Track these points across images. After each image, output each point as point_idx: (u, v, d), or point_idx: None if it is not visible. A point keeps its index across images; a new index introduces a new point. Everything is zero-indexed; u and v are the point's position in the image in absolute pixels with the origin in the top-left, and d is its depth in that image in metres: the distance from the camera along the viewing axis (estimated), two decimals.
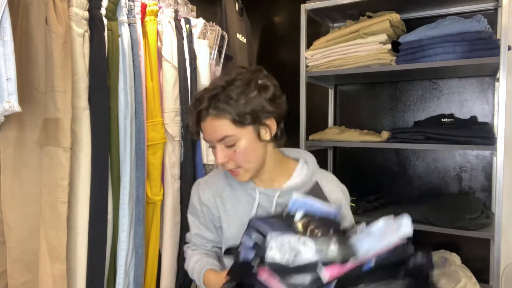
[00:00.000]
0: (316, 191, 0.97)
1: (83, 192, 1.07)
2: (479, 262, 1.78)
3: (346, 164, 2.16)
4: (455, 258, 1.72)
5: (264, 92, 0.93)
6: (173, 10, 1.39)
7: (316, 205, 0.87)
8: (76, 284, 1.07)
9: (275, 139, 0.99)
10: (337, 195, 1.06)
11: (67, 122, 1.00)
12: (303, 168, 1.05)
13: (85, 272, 1.08)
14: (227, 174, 1.05)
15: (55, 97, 0.99)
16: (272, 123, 0.96)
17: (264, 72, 0.97)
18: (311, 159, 1.09)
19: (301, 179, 1.02)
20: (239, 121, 0.91)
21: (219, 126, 0.92)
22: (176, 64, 1.38)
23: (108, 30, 1.13)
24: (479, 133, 1.54)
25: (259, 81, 0.93)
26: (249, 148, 0.94)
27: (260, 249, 0.76)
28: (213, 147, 0.96)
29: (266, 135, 0.96)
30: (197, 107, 0.93)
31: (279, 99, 0.96)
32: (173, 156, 1.37)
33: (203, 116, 0.93)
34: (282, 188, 1.01)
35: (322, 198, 0.94)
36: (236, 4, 2.07)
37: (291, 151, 1.11)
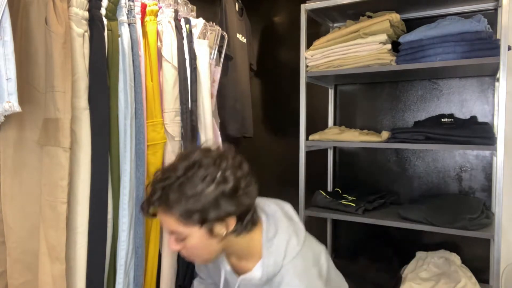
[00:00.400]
0: None
1: (83, 192, 1.07)
2: (479, 262, 1.78)
3: (346, 164, 2.16)
4: (455, 258, 1.72)
5: (223, 186, 0.84)
6: (173, 10, 1.39)
7: None
8: (76, 284, 1.07)
9: (236, 231, 0.90)
10: None
11: (67, 122, 1.00)
12: (264, 263, 0.93)
13: (85, 272, 1.08)
14: None
15: (55, 97, 0.99)
16: (229, 220, 0.87)
17: (230, 159, 0.88)
18: (280, 239, 0.93)
19: (259, 276, 0.93)
20: (184, 220, 0.85)
21: (166, 220, 0.88)
22: (176, 64, 1.38)
23: (108, 30, 1.13)
24: (479, 133, 1.54)
25: (219, 173, 0.84)
26: (198, 245, 0.89)
27: None
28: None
29: (221, 231, 0.88)
30: (149, 194, 0.89)
31: (243, 192, 0.87)
32: (173, 156, 1.36)
33: (157, 205, 0.88)
34: (242, 278, 0.96)
35: None
36: (236, 4, 2.07)
37: (264, 213, 0.98)
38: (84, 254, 1.08)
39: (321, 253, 1.00)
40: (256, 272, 0.93)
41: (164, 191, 0.85)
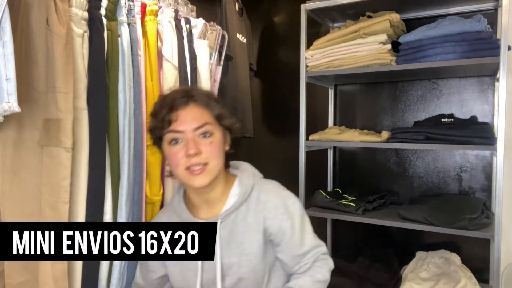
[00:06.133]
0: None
1: (81, 192, 1.07)
2: (479, 262, 1.78)
3: (346, 164, 2.16)
4: (455, 258, 1.72)
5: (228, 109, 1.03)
6: (173, 9, 1.39)
7: None
8: (73, 284, 1.07)
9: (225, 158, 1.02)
10: (272, 207, 1.02)
11: (68, 123, 1.00)
12: (238, 187, 1.05)
13: (81, 271, 1.08)
14: (175, 209, 1.08)
15: (56, 97, 0.99)
16: (229, 140, 1.04)
17: None
18: (248, 171, 1.08)
19: (235, 200, 1.02)
20: (217, 118, 0.99)
21: (201, 113, 0.97)
22: (176, 64, 1.37)
23: (107, 30, 1.13)
24: (479, 133, 1.54)
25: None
26: (219, 145, 0.99)
27: None
28: (178, 142, 0.96)
29: (226, 145, 1.03)
30: (178, 93, 0.98)
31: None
32: None
33: (184, 103, 0.96)
34: (220, 215, 1.01)
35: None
36: (236, 4, 2.07)
37: (231, 168, 1.11)
38: None
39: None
40: (232, 198, 1.03)
41: (197, 92, 1.00)
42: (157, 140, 1.01)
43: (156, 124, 0.98)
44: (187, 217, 1.05)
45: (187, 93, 0.99)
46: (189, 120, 0.95)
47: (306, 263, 1.04)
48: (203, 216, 1.04)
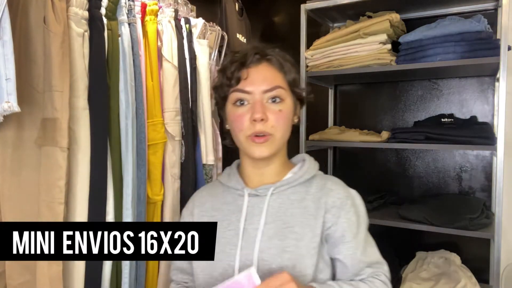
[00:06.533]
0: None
1: (82, 192, 1.07)
2: (479, 262, 1.78)
3: (346, 164, 2.15)
4: (455, 258, 1.72)
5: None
6: (173, 9, 1.39)
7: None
8: (74, 285, 1.06)
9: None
10: (337, 197, 0.88)
11: (64, 122, 0.99)
12: (299, 168, 0.95)
13: (83, 273, 1.08)
14: (222, 179, 0.98)
15: (53, 96, 0.98)
16: (298, 111, 0.96)
17: None
18: (312, 159, 0.99)
19: (294, 176, 0.92)
20: (290, 84, 0.89)
21: (274, 75, 0.87)
22: (176, 64, 1.37)
23: (108, 29, 1.13)
24: (479, 133, 1.54)
25: None
26: (289, 114, 0.89)
27: None
28: (243, 103, 0.86)
29: (295, 117, 0.94)
30: (251, 50, 0.87)
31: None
32: (173, 155, 1.36)
33: (256, 61, 0.87)
34: (274, 184, 0.90)
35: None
36: (236, 4, 2.07)
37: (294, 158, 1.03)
38: None
39: None
40: (291, 174, 0.93)
41: (274, 52, 0.89)
42: (221, 100, 0.92)
43: (223, 81, 0.88)
44: (236, 185, 0.93)
45: (262, 51, 0.88)
46: (259, 80, 0.85)
47: (368, 274, 0.86)
48: (254, 186, 0.92)
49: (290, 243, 0.84)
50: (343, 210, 0.87)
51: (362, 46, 1.69)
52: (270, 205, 0.88)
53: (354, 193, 0.93)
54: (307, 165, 0.94)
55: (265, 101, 0.85)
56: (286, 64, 0.90)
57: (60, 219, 1.00)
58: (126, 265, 1.18)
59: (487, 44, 1.48)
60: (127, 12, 1.20)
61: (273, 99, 0.86)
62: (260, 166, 0.92)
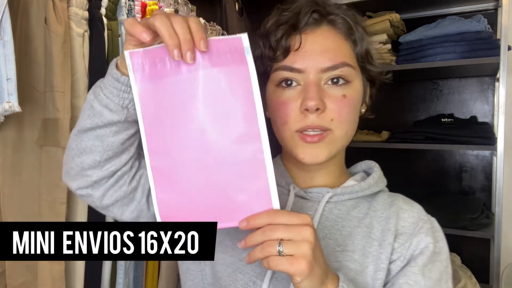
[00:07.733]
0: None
1: None
2: (479, 262, 1.78)
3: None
4: (455, 258, 1.72)
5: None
6: (173, 9, 1.39)
7: None
8: (74, 284, 1.07)
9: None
10: (418, 215, 0.68)
11: (66, 122, 1.00)
12: (363, 176, 0.75)
13: (83, 272, 1.08)
14: None
15: (54, 97, 0.99)
16: (368, 98, 0.69)
17: None
18: (380, 170, 0.76)
19: (357, 185, 0.68)
20: (362, 59, 0.62)
21: (339, 45, 0.60)
22: None
23: (108, 29, 1.13)
24: (479, 133, 1.54)
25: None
26: (356, 101, 0.62)
27: None
28: (291, 85, 0.60)
29: (363, 106, 0.69)
30: (306, 5, 0.61)
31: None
32: None
33: (313, 23, 0.60)
34: (334, 189, 0.67)
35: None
36: (236, 4, 2.07)
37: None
38: None
39: None
40: (353, 181, 0.70)
41: (342, 11, 0.61)
42: (259, 77, 0.52)
43: (264, 51, 0.63)
44: (279, 179, 0.68)
45: (321, 6, 0.61)
46: (316, 52, 0.58)
47: None
48: (302, 186, 0.69)
49: (347, 274, 0.58)
50: (420, 233, 0.64)
51: None
52: (324, 215, 0.64)
53: (433, 218, 0.71)
54: (377, 174, 0.71)
55: (323, 82, 0.59)
56: (357, 28, 0.61)
57: (62, 219, 1.00)
58: (121, 265, 1.18)
59: (487, 44, 1.48)
60: (127, 12, 1.20)
61: (335, 80, 0.59)
62: (309, 169, 0.68)
